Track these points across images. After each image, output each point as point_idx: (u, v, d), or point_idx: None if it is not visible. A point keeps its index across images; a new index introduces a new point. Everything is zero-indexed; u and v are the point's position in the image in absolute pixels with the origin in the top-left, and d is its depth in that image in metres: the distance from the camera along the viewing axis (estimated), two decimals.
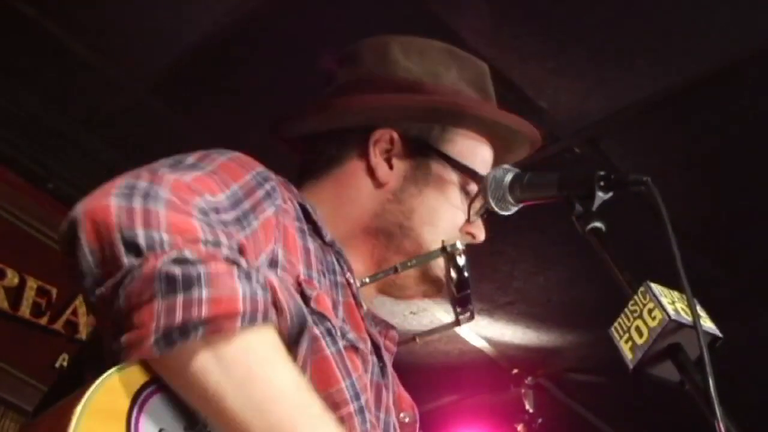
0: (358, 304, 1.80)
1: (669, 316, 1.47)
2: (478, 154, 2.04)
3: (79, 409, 1.26)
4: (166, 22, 3.68)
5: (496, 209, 1.92)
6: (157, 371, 1.36)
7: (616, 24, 3.50)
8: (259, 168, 1.70)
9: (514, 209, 1.92)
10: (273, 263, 1.62)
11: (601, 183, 1.69)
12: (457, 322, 2.04)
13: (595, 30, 3.52)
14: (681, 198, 3.75)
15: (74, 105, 4.03)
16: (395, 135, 2.00)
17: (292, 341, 1.48)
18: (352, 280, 1.82)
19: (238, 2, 3.52)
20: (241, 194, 1.60)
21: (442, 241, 1.94)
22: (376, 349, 1.80)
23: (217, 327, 1.33)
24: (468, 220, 1.99)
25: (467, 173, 1.99)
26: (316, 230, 1.83)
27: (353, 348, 1.70)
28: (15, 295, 4.10)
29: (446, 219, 1.98)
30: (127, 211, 1.38)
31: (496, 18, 3.31)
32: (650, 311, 1.50)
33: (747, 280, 4.33)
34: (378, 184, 1.98)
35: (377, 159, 1.99)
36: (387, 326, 2.00)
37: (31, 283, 4.10)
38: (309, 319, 1.54)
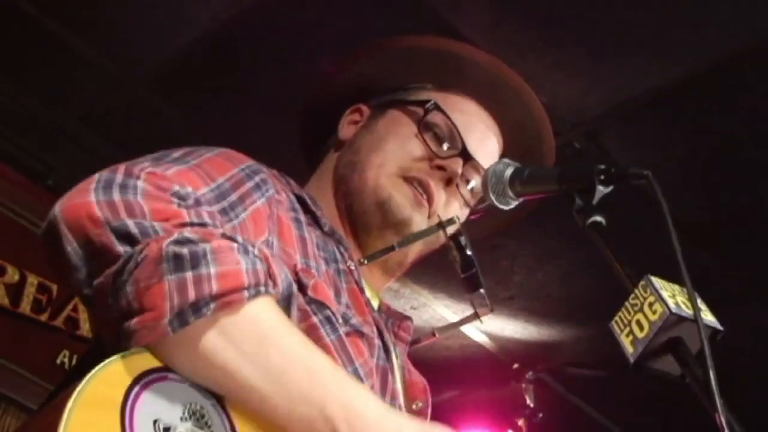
0: (361, 290, 1.81)
1: (670, 310, 1.47)
2: (440, 96, 2.04)
3: (72, 399, 1.26)
4: (165, 20, 3.68)
5: (496, 203, 1.92)
6: (165, 357, 1.37)
7: (615, 19, 3.49)
8: (249, 162, 1.71)
9: (514, 204, 1.91)
10: None
11: (602, 177, 1.69)
12: (476, 315, 2.04)
13: (594, 25, 3.52)
14: (681, 192, 3.76)
15: (73, 102, 4.04)
16: (363, 107, 2.06)
17: (282, 308, 1.48)
18: (353, 267, 1.83)
19: (234, 0, 3.53)
20: (227, 186, 1.61)
21: (438, 217, 1.93)
22: (380, 333, 1.80)
23: (226, 301, 1.34)
24: (433, 152, 1.97)
25: (417, 104, 2.01)
26: (315, 220, 1.83)
27: (358, 333, 1.71)
28: (15, 291, 4.10)
29: (393, 145, 1.97)
30: (108, 204, 1.39)
31: (495, 14, 3.31)
32: (651, 305, 1.50)
33: (747, 274, 4.33)
34: (340, 144, 2.03)
35: (344, 127, 2.04)
36: (402, 317, 2.01)
37: (32, 280, 4.11)
38: (295, 287, 1.56)
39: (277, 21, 3.53)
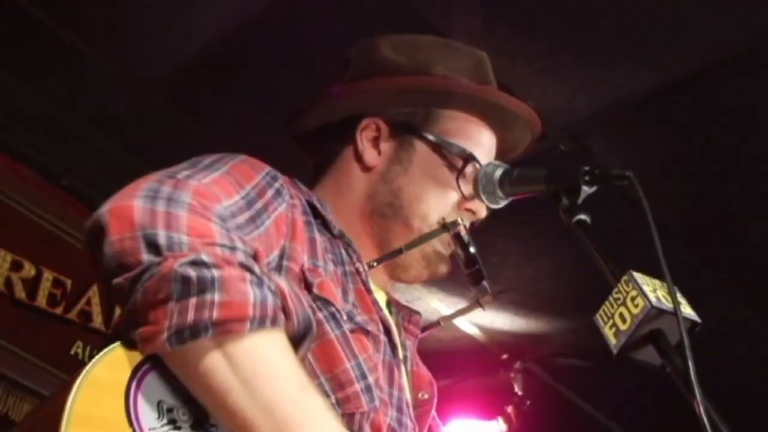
0: (368, 290, 1.80)
1: (651, 303, 1.47)
2: (467, 133, 2.02)
3: (78, 381, 1.26)
4: (172, 28, 3.68)
5: (487, 203, 1.92)
6: (167, 363, 1.36)
7: (600, 27, 3.49)
8: (268, 168, 1.72)
9: (504, 203, 1.92)
10: (281, 255, 1.64)
11: (586, 178, 1.69)
12: (479, 304, 2.04)
13: (580, 33, 3.52)
14: (662, 192, 3.76)
15: (86, 105, 4.03)
16: (381, 122, 2.01)
17: (297, 341, 1.47)
18: (361, 269, 1.82)
19: (240, 8, 3.52)
20: (253, 194, 1.62)
21: (442, 219, 1.93)
22: (387, 330, 1.79)
23: (226, 329, 1.33)
24: (464, 197, 1.97)
25: (453, 150, 1.97)
26: (324, 224, 1.83)
27: (362, 330, 1.71)
28: (32, 285, 4.09)
29: (434, 195, 1.96)
30: (150, 212, 1.39)
31: (486, 21, 3.31)
32: (633, 299, 1.50)
33: (725, 271, 4.33)
34: (366, 168, 1.99)
35: (364, 145, 1.99)
36: (411, 312, 2.01)
37: (47, 275, 4.10)
38: (314, 321, 1.53)
39: (279, 29, 3.53)
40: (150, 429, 1.30)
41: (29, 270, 4.09)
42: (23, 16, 3.68)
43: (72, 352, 4.08)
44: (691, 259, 4.23)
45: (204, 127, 3.97)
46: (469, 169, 1.97)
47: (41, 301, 4.10)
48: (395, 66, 2.03)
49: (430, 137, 1.99)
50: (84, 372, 1.28)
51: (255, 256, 1.45)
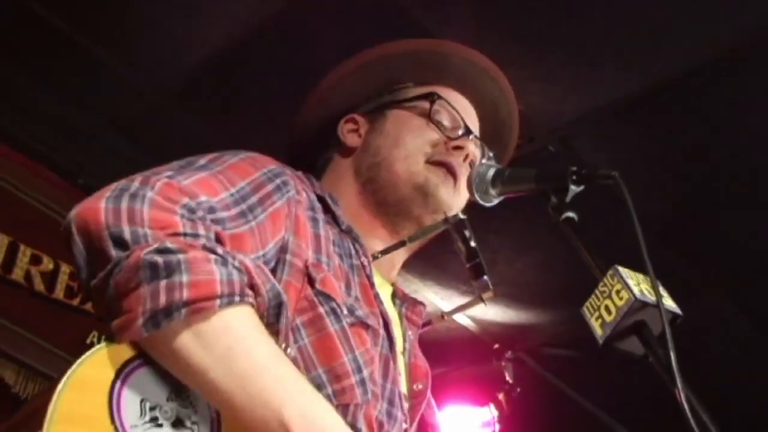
0: (371, 284, 1.79)
1: (635, 296, 1.47)
2: (431, 89, 2.03)
3: (63, 381, 1.25)
4: (182, 35, 3.68)
5: (480, 201, 1.92)
6: (147, 351, 1.35)
7: (587, 34, 3.49)
8: (271, 165, 1.71)
9: (496, 201, 1.91)
10: (283, 249, 1.62)
11: (574, 177, 1.69)
12: (481, 299, 2.02)
13: (568, 41, 3.52)
14: (646, 191, 3.76)
15: (101, 108, 4.04)
16: (356, 116, 2.03)
17: (272, 318, 1.46)
18: (366, 263, 1.81)
19: (246, 16, 3.52)
20: (248, 189, 1.60)
21: (444, 213, 1.92)
22: (386, 324, 1.78)
23: (197, 307, 1.32)
24: (447, 137, 1.97)
25: (418, 99, 2.00)
26: (334, 219, 1.82)
27: (362, 324, 1.69)
28: (50, 279, 4.10)
29: (411, 137, 1.96)
30: (114, 211, 1.38)
31: (479, 30, 3.31)
32: (618, 292, 1.50)
33: (705, 267, 4.32)
34: (351, 151, 2.00)
35: (346, 136, 2.01)
36: (415, 302, 1.99)
37: (65, 269, 4.10)
38: (284, 296, 1.50)
39: (285, 36, 3.53)
40: (132, 426, 1.29)
41: (47, 264, 4.10)
42: (43, 25, 3.69)
43: (87, 341, 4.07)
44: (673, 254, 4.23)
45: (212, 128, 3.97)
46: (437, 107, 1.98)
47: (59, 293, 4.11)
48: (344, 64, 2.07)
49: (397, 101, 2.02)
50: (69, 371, 1.27)
51: (218, 240, 1.44)
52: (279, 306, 1.48)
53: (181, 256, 1.33)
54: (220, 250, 1.40)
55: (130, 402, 1.31)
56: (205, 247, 1.38)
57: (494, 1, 3.40)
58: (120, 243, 1.35)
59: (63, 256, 4.10)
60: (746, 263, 4.34)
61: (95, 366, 1.31)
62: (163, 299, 1.31)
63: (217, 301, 1.33)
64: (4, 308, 3.90)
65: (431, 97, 1.99)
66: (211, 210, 1.49)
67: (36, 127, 4.12)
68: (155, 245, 1.34)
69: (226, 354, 1.34)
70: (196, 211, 1.45)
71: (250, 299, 1.40)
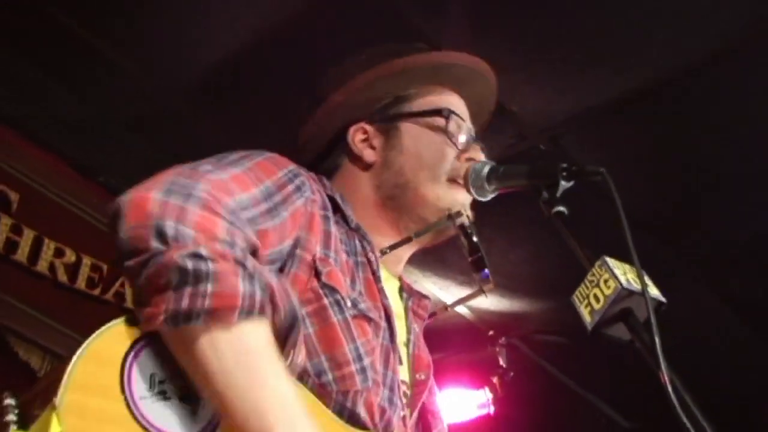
0: (377, 279, 1.78)
1: (621, 285, 1.47)
2: (435, 100, 2.00)
3: (78, 352, 1.26)
4: (196, 38, 3.67)
5: (476, 196, 1.91)
6: (165, 340, 1.36)
7: (575, 40, 3.50)
8: (291, 166, 1.70)
9: (491, 196, 1.91)
10: (296, 244, 1.62)
11: (564, 173, 1.68)
12: (482, 291, 2.00)
13: (556, 47, 3.52)
14: (631, 186, 3.75)
15: (120, 110, 4.03)
16: (364, 125, 1.99)
17: (285, 333, 1.44)
18: (372, 259, 1.80)
19: (257, 21, 3.52)
20: (273, 189, 1.60)
21: (447, 210, 1.89)
22: (388, 317, 1.77)
23: (216, 316, 1.32)
24: (459, 150, 1.95)
25: (431, 114, 1.96)
26: (343, 218, 1.81)
27: (364, 317, 1.68)
28: (73, 270, 4.11)
29: (432, 157, 1.93)
30: (163, 204, 1.38)
31: (474, 37, 3.31)
32: (606, 281, 1.50)
33: (687, 257, 4.32)
34: (368, 165, 1.96)
35: (359, 147, 1.97)
36: (421, 296, 1.98)
37: (86, 261, 4.11)
38: (299, 315, 1.49)
39: (292, 41, 3.53)
40: (141, 398, 1.29)
41: (70, 256, 4.11)
42: (67, 33, 3.69)
43: None
44: (657, 246, 4.23)
45: (225, 128, 3.96)
46: (452, 123, 1.96)
47: (81, 283, 4.12)
48: (348, 73, 2.02)
49: (408, 114, 1.98)
50: (85, 344, 1.28)
51: (254, 252, 1.44)
52: (293, 323, 1.47)
53: (211, 266, 1.34)
54: (250, 265, 1.39)
55: (140, 375, 1.31)
56: (236, 261, 1.37)
57: (488, 10, 3.39)
58: (161, 236, 1.35)
59: (85, 249, 4.11)
60: (725, 254, 4.35)
61: (110, 340, 1.32)
62: (185, 303, 1.31)
63: (236, 314, 1.33)
64: (30, 298, 3.91)
65: (444, 113, 1.96)
66: (246, 207, 1.49)
67: (60, 128, 4.12)
68: (190, 249, 1.34)
69: (234, 365, 1.34)
70: (238, 214, 1.45)
71: (268, 316, 1.39)
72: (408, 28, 3.37)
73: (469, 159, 1.94)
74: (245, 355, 1.35)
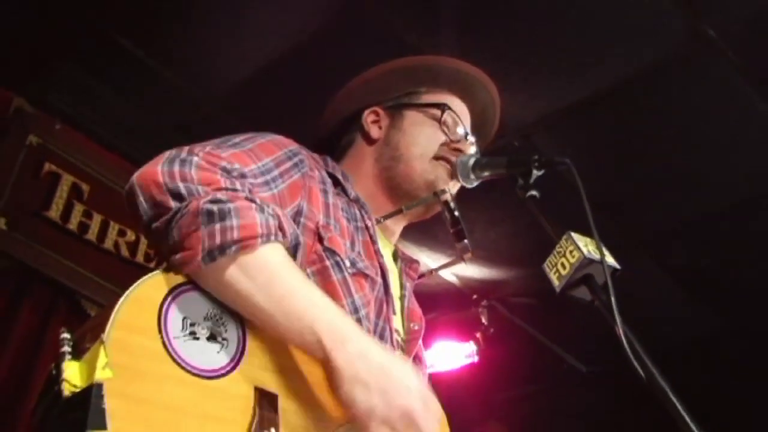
0: (373, 242, 1.76)
1: (584, 255, 1.47)
2: (441, 97, 1.98)
3: (122, 298, 1.25)
4: (233, 53, 3.65)
5: (463, 183, 1.90)
6: (200, 282, 1.34)
7: (542, 54, 3.49)
8: (292, 146, 1.69)
9: (476, 183, 1.90)
10: (299, 213, 1.60)
11: (536, 163, 1.68)
12: (462, 259, 1.98)
13: (528, 59, 3.51)
14: (591, 174, 3.69)
15: (167, 115, 4.02)
16: (378, 109, 1.97)
17: (292, 252, 1.46)
18: (370, 225, 1.78)
19: (282, 39, 3.51)
20: (272, 164, 1.58)
21: (432, 183, 1.88)
22: (383, 274, 1.75)
23: (245, 244, 1.31)
24: (450, 140, 1.93)
25: (431, 107, 1.95)
26: (343, 191, 1.79)
27: (362, 274, 1.66)
28: (133, 247, 4.11)
29: (425, 140, 1.91)
30: (169, 173, 1.38)
31: (461, 51, 3.29)
32: (571, 252, 1.50)
33: (635, 233, 4.32)
34: (373, 141, 1.94)
35: (369, 126, 1.95)
36: (411, 260, 1.96)
37: (143, 240, 4.11)
38: (301, 238, 1.51)
39: (316, 56, 3.51)
40: (175, 337, 1.28)
41: (131, 236, 4.11)
42: (123, 51, 3.69)
43: None
44: (613, 225, 4.22)
45: (254, 129, 3.94)
46: (447, 117, 1.94)
47: (139, 257, 4.12)
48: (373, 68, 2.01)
49: (414, 104, 1.96)
50: (129, 290, 1.27)
51: (251, 192, 1.44)
52: (297, 246, 1.48)
53: (231, 205, 1.33)
54: (257, 200, 1.39)
55: (174, 318, 1.30)
56: (247, 198, 1.37)
57: (474, 31, 3.39)
58: (178, 196, 1.35)
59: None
60: (666, 230, 4.35)
61: (150, 287, 1.30)
62: (218, 239, 1.30)
63: (259, 240, 1.33)
64: (99, 270, 3.91)
65: (442, 107, 1.94)
66: (243, 176, 1.47)
67: (120, 132, 4.13)
68: (209, 196, 1.34)
69: (267, 282, 1.34)
70: (232, 172, 1.44)
71: (281, 238, 1.39)
72: (406, 46, 3.35)
73: (457, 149, 1.93)
74: (274, 272, 1.35)
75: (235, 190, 1.39)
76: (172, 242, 1.34)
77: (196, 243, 1.31)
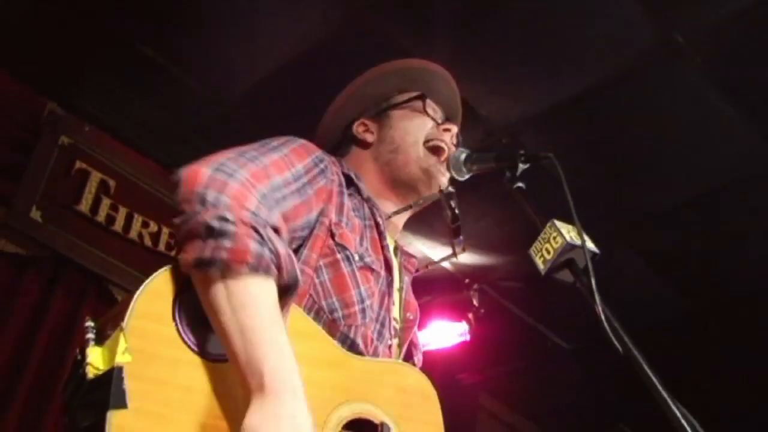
0: (382, 238, 1.75)
1: (566, 241, 1.46)
2: (415, 95, 1.97)
3: (140, 289, 1.27)
4: (247, 58, 3.64)
5: (456, 177, 1.89)
6: (193, 281, 1.34)
7: (527, 62, 3.48)
8: (318, 152, 1.68)
9: (467, 176, 1.89)
10: (322, 213, 1.60)
11: (522, 158, 1.67)
12: (455, 254, 1.97)
13: (515, 65, 3.51)
14: (572, 167, 3.71)
15: (187, 117, 4.01)
16: (364, 120, 1.96)
17: (286, 290, 1.39)
18: (380, 221, 1.77)
19: (297, 43, 3.49)
20: (302, 171, 1.58)
21: (439, 187, 1.88)
22: (388, 268, 1.74)
23: (230, 266, 1.29)
24: (437, 122, 1.93)
25: (412, 100, 1.94)
26: (357, 191, 1.78)
27: (368, 268, 1.66)
28: (156, 237, 4.10)
29: (415, 128, 1.91)
30: (210, 178, 1.36)
31: (452, 57, 3.28)
32: (554, 238, 1.49)
33: (612, 220, 4.31)
34: (368, 145, 1.93)
35: (362, 135, 1.94)
36: (410, 255, 1.95)
37: (165, 230, 4.10)
38: (300, 280, 1.43)
39: (324, 60, 3.49)
40: (187, 324, 1.29)
41: (153, 227, 4.10)
42: (145, 59, 3.68)
43: None
44: (593, 213, 4.19)
45: (267, 130, 3.92)
46: (428, 103, 1.94)
47: (161, 247, 4.11)
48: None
49: (395, 104, 1.96)
50: (146, 283, 1.29)
51: (275, 229, 1.40)
52: (292, 286, 1.40)
53: (232, 228, 1.31)
54: (264, 233, 1.35)
55: (187, 307, 1.31)
56: (254, 227, 1.34)
57: (464, 38, 3.38)
58: (203, 201, 1.33)
59: (164, 221, 4.11)
60: (640, 218, 4.34)
61: (165, 280, 1.32)
62: (208, 253, 1.29)
63: (246, 268, 1.30)
64: (125, 258, 3.91)
65: (422, 98, 1.95)
66: (278, 188, 1.47)
67: (144, 133, 4.12)
68: (220, 213, 1.32)
69: (239, 307, 1.29)
70: (269, 198, 1.43)
71: (273, 275, 1.34)
72: (400, 51, 3.31)
73: (446, 129, 1.93)
74: (249, 301, 1.30)
75: (255, 215, 1.36)
76: (180, 239, 1.34)
77: (191, 249, 1.30)
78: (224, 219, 1.31)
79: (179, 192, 1.37)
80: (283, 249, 1.39)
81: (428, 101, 1.95)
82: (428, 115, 1.94)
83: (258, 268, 1.31)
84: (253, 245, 1.32)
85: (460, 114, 2.11)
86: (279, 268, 1.36)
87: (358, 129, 1.96)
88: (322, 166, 1.65)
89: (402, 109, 1.96)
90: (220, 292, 1.30)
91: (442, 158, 1.89)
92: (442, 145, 1.90)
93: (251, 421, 1.23)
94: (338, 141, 2.00)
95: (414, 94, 1.96)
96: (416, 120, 1.93)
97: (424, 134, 1.90)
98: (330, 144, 2.00)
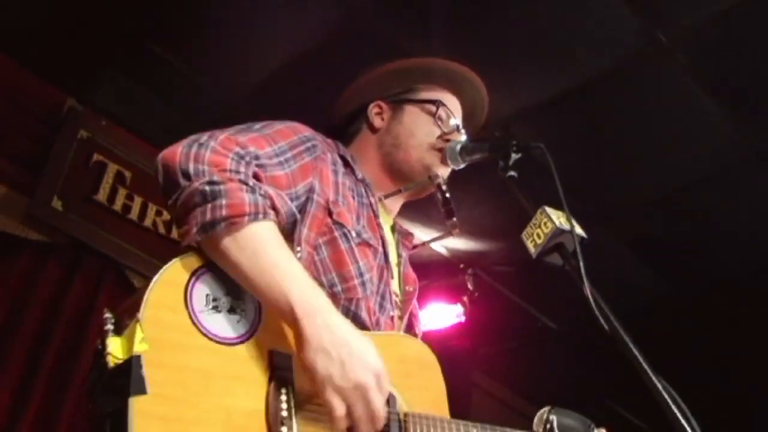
0: (376, 216, 1.74)
1: (556, 226, 1.47)
2: (436, 95, 1.95)
3: (154, 280, 1.27)
4: (252, 58, 3.61)
5: (452, 166, 1.88)
6: (204, 250, 1.34)
7: (519, 57, 3.46)
8: (306, 133, 1.67)
9: (463, 166, 1.89)
10: (311, 190, 1.58)
11: (514, 148, 1.67)
12: (450, 233, 1.96)
13: (506, 62, 3.48)
14: (562, 158, 3.68)
15: (198, 114, 3.97)
16: (381, 102, 1.94)
17: (289, 229, 1.43)
18: (373, 201, 1.76)
19: (300, 43, 3.47)
20: (286, 147, 1.56)
21: (426, 168, 1.86)
22: (384, 244, 1.74)
23: (232, 221, 1.30)
24: (443, 132, 1.90)
25: (428, 102, 1.92)
26: (352, 171, 1.76)
27: (366, 243, 1.65)
28: (169, 225, 4.07)
29: (421, 132, 1.89)
30: (185, 154, 1.37)
31: (447, 54, 3.24)
32: (545, 223, 1.49)
33: (599, 207, 4.29)
34: (376, 130, 1.92)
35: (373, 117, 1.93)
36: (407, 233, 1.95)
37: None
38: (298, 215, 1.48)
39: (326, 61, 3.45)
40: (199, 311, 1.29)
41: (166, 215, 4.07)
42: (157, 58, 3.67)
43: None
44: (579, 200, 4.18)
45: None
46: (441, 111, 1.91)
47: (174, 234, 4.07)
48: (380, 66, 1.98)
49: (413, 100, 1.93)
50: (158, 274, 1.28)
51: (256, 177, 1.41)
52: (294, 222, 1.45)
53: (223, 186, 1.32)
54: (251, 182, 1.37)
55: (198, 295, 1.31)
56: (240, 180, 1.35)
57: (456, 37, 3.36)
58: (186, 175, 1.34)
59: None
60: (625, 206, 4.32)
61: (176, 271, 1.31)
62: (209, 215, 1.30)
63: (246, 218, 1.31)
64: (141, 245, 3.90)
65: (437, 104, 1.92)
66: (257, 157, 1.46)
67: (157, 128, 4.07)
68: (207, 178, 1.32)
69: (253, 254, 1.31)
70: (244, 157, 1.42)
71: (272, 217, 1.37)
72: (399, 50, 3.31)
73: (446, 139, 1.91)
74: (259, 246, 1.33)
75: (237, 172, 1.37)
76: (178, 216, 1.34)
77: (192, 219, 1.31)
78: (212, 182, 1.32)
79: (162, 175, 1.38)
80: (271, 190, 1.41)
81: (443, 109, 1.92)
82: (437, 123, 1.91)
83: (257, 214, 1.33)
84: (246, 196, 1.33)
85: (484, 114, 2.10)
86: (274, 208, 1.38)
87: (372, 110, 1.94)
88: (309, 144, 1.63)
89: (416, 107, 1.93)
90: (231, 246, 1.31)
91: (443, 158, 1.89)
92: (444, 146, 1.89)
93: (311, 337, 1.28)
94: (351, 116, 1.98)
95: (432, 96, 1.94)
96: (425, 124, 1.90)
97: (428, 141, 1.88)
98: (343, 116, 1.98)
